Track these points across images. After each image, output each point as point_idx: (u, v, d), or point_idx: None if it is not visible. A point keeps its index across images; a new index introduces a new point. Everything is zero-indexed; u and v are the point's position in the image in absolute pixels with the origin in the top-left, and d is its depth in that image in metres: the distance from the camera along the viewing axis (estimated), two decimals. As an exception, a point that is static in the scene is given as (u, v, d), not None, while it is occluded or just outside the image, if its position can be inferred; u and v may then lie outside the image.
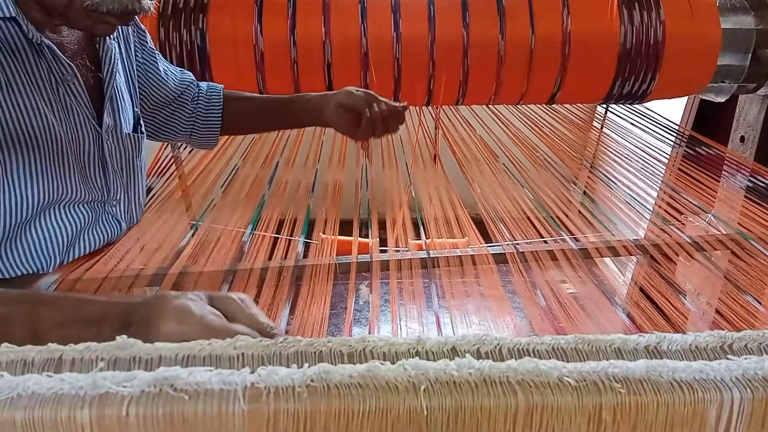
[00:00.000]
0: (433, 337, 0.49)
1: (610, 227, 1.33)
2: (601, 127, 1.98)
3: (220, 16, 1.49)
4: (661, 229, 1.27)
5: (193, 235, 1.07)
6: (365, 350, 0.49)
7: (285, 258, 0.99)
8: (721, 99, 1.73)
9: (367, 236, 1.20)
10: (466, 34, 1.51)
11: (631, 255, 1.17)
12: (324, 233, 1.24)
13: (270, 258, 0.99)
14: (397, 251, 1.11)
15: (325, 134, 1.76)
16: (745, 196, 1.47)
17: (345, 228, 1.26)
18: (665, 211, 1.39)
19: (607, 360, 0.47)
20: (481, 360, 0.46)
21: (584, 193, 1.63)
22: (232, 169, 1.49)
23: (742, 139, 1.74)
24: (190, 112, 1.26)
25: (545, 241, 1.19)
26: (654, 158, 1.68)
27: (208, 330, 0.59)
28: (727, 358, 0.48)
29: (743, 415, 0.46)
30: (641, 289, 1.26)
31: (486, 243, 1.18)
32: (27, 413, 0.42)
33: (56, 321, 0.66)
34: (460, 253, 1.03)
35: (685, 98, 2.08)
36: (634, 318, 1.06)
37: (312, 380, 0.45)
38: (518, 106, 1.76)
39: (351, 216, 1.28)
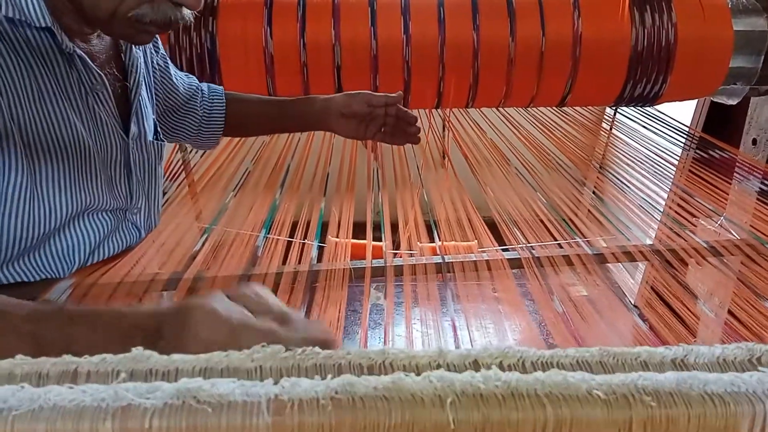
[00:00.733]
0: (455, 350, 0.48)
1: (621, 230, 1.32)
2: (610, 129, 1.97)
3: (229, 20, 1.49)
4: (673, 232, 1.26)
5: (206, 239, 1.07)
6: (385, 362, 0.48)
7: (299, 262, 0.98)
8: (732, 101, 1.71)
9: (379, 239, 1.19)
10: (476, 36, 1.51)
11: (642, 259, 1.16)
12: (337, 236, 1.23)
13: (284, 262, 0.98)
14: (411, 256, 1.10)
15: (335, 136, 1.76)
16: (758, 199, 1.46)
17: (357, 230, 1.26)
18: (676, 212, 1.38)
19: (633, 372, 0.46)
20: (507, 372, 0.45)
21: (594, 194, 1.62)
22: (244, 173, 1.49)
23: (754, 141, 1.73)
24: (200, 116, 1.26)
25: (559, 245, 1.18)
26: (664, 160, 1.67)
27: (240, 328, 0.58)
28: (758, 370, 0.47)
29: (775, 428, 0.45)
30: (653, 292, 1.26)
31: (499, 246, 1.18)
32: (49, 425, 0.41)
33: (90, 341, 0.64)
34: (474, 258, 1.02)
35: (696, 100, 2.07)
36: (648, 320, 1.05)
37: (336, 392, 0.44)
38: (526, 108, 1.75)
39: (363, 218, 1.28)
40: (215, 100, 1.28)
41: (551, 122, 1.85)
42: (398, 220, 1.34)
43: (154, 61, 1.15)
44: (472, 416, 0.43)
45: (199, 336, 0.59)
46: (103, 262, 0.96)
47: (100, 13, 0.82)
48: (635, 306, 1.12)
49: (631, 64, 1.55)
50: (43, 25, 0.80)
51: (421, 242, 1.26)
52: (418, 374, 0.46)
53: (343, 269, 0.93)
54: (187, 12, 0.86)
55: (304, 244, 1.06)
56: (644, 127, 1.80)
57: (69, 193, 0.89)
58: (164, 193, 1.33)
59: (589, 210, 1.44)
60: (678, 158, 1.72)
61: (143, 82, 1.04)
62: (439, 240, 1.22)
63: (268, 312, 0.62)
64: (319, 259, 1.03)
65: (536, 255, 1.04)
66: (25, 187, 0.83)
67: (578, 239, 1.20)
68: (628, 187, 1.59)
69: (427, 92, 1.58)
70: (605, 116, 2.01)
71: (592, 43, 1.53)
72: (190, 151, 1.64)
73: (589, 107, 1.89)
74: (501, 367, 0.48)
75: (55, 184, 0.87)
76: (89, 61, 0.88)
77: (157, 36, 1.15)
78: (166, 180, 1.47)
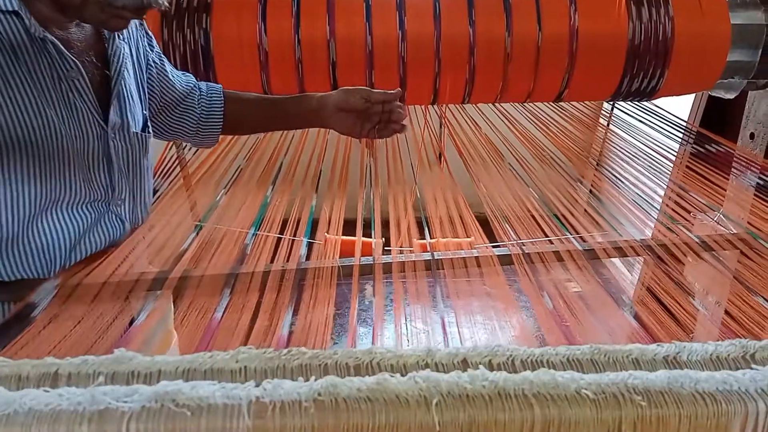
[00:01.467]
0: (443, 349, 0.47)
1: (617, 226, 1.31)
2: (608, 124, 1.96)
3: (224, 16, 1.47)
4: (669, 228, 1.24)
5: (196, 236, 1.06)
6: (372, 362, 0.47)
7: (289, 259, 0.97)
8: (730, 95, 1.70)
9: (371, 236, 1.18)
10: (473, 31, 1.49)
11: (638, 255, 1.15)
12: (328, 233, 1.22)
13: (273, 260, 0.98)
14: (401, 252, 1.09)
15: (330, 133, 1.75)
16: (755, 194, 1.45)
17: (349, 227, 1.25)
18: (673, 210, 1.36)
19: (624, 371, 0.45)
20: (494, 372, 0.44)
21: (590, 192, 1.61)
22: (236, 170, 1.48)
23: (752, 135, 1.72)
24: (198, 114, 1.25)
25: (550, 241, 1.17)
26: (661, 155, 1.66)
27: None
28: (751, 368, 0.46)
29: (768, 428, 0.44)
30: (649, 290, 1.24)
31: (491, 242, 1.17)
32: (24, 430, 0.40)
33: None
34: (464, 255, 1.01)
35: (693, 95, 2.06)
36: (642, 318, 1.04)
37: (319, 394, 0.43)
38: (523, 103, 1.74)
39: (355, 216, 1.27)
40: (214, 98, 1.27)
41: (547, 117, 1.84)
42: (393, 218, 1.33)
43: (150, 58, 1.15)
44: (458, 417, 0.42)
45: None
46: (89, 258, 0.95)
47: None
48: (632, 303, 1.10)
49: (629, 58, 1.54)
50: (10, 8, 0.81)
51: (413, 239, 1.25)
52: (405, 374, 0.45)
53: (332, 266, 0.92)
54: None
55: (293, 241, 1.05)
56: (641, 121, 1.79)
57: (39, 182, 0.89)
58: (157, 190, 1.32)
59: (585, 209, 1.43)
60: (675, 153, 1.71)
61: (129, 74, 1.03)
62: (432, 237, 1.21)
63: None
64: (309, 256, 1.02)
65: (526, 251, 1.03)
66: None
67: (570, 236, 1.19)
68: (624, 182, 1.57)
69: (424, 88, 1.57)
70: (602, 111, 2.00)
71: (588, 38, 1.51)
72: (184, 147, 1.62)
73: (587, 102, 1.88)
74: (490, 365, 0.47)
75: (23, 173, 0.87)
76: (62, 47, 0.88)
77: (151, 34, 1.15)
78: (160, 177, 1.46)
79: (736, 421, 0.43)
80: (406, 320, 0.96)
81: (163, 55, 1.19)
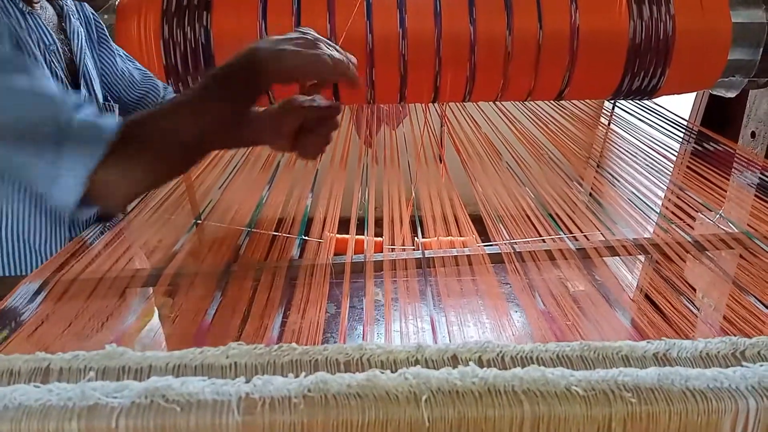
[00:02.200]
0: (433, 345, 0.47)
1: (615, 227, 1.31)
2: (609, 123, 1.96)
3: (224, 14, 1.47)
4: (668, 229, 1.24)
5: (191, 233, 1.06)
6: (362, 358, 0.47)
7: (282, 257, 0.97)
8: (731, 94, 1.70)
9: (378, 234, 1.18)
10: (473, 29, 1.49)
11: (637, 255, 1.15)
12: (325, 231, 1.22)
13: (266, 258, 0.98)
14: (392, 250, 1.09)
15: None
16: (756, 194, 1.44)
17: (344, 226, 1.25)
18: (672, 213, 1.36)
19: (614, 368, 0.45)
20: (484, 368, 0.44)
21: (590, 194, 1.60)
22: (233, 169, 1.48)
23: (753, 134, 1.72)
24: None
25: (543, 241, 1.17)
26: (662, 155, 1.66)
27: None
28: (741, 365, 0.46)
29: (759, 425, 0.44)
30: (648, 291, 1.24)
31: (485, 242, 1.16)
32: (14, 426, 0.41)
33: None
34: (456, 253, 1.01)
35: (694, 93, 2.06)
36: (641, 321, 1.04)
37: (309, 390, 0.43)
38: (524, 102, 1.74)
39: (350, 214, 1.27)
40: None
41: (548, 116, 1.84)
42: (391, 216, 1.33)
43: (103, 46, 1.19)
44: (447, 413, 0.42)
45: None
46: (83, 250, 0.96)
47: None
48: (629, 306, 1.10)
49: (629, 56, 1.53)
50: None
51: (411, 238, 1.25)
52: (395, 370, 0.45)
53: (325, 264, 0.92)
54: None
55: (287, 239, 1.05)
56: (641, 120, 1.78)
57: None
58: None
59: (584, 209, 1.43)
60: (676, 153, 1.70)
61: (87, 53, 1.09)
62: (424, 236, 1.21)
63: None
64: (301, 254, 1.02)
65: (518, 250, 1.03)
66: None
67: (564, 236, 1.18)
68: (624, 182, 1.57)
69: (424, 86, 1.57)
70: (604, 110, 2.00)
71: (589, 36, 1.51)
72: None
73: (588, 101, 1.87)
74: (480, 362, 0.47)
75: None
76: (42, 21, 0.94)
77: (103, 24, 1.20)
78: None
79: (726, 419, 0.43)
80: (405, 319, 0.96)
81: (118, 49, 1.24)
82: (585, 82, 1.59)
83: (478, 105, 1.77)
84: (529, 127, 1.80)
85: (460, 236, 1.32)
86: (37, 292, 0.78)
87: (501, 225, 1.23)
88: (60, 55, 0.98)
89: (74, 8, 1.09)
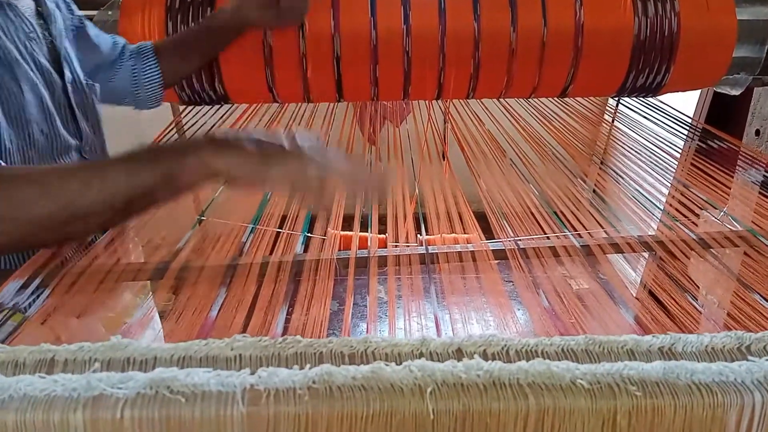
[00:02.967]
0: (438, 338, 0.47)
1: (619, 224, 1.31)
2: (612, 121, 1.95)
3: (227, 10, 1.47)
4: (672, 226, 1.24)
5: (195, 229, 1.06)
6: (367, 351, 0.47)
7: (286, 253, 0.97)
8: (736, 92, 1.69)
9: (382, 232, 1.18)
10: (477, 26, 1.49)
11: (641, 252, 1.15)
12: (329, 228, 1.22)
13: (271, 253, 0.98)
14: (396, 246, 1.08)
15: (332, 130, 1.75)
16: (760, 192, 1.44)
17: (348, 223, 1.25)
18: (676, 210, 1.36)
19: (619, 362, 0.45)
20: (489, 362, 0.44)
21: (594, 191, 1.60)
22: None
23: (757, 132, 1.71)
24: (130, 72, 1.32)
25: (547, 238, 1.17)
26: (666, 152, 1.66)
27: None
28: (747, 359, 0.46)
29: (765, 419, 0.43)
30: (652, 288, 1.24)
31: (489, 239, 1.16)
32: (18, 416, 0.41)
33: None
34: (460, 249, 1.01)
35: (698, 91, 2.05)
36: (644, 318, 1.03)
37: (314, 382, 0.43)
38: (527, 99, 1.74)
39: (354, 211, 1.27)
40: (144, 55, 1.33)
41: (552, 113, 1.83)
42: (395, 213, 1.33)
43: (73, 23, 1.20)
44: (452, 406, 0.42)
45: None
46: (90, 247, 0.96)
47: None
48: (632, 303, 1.10)
49: (634, 53, 1.53)
50: None
51: (415, 235, 1.25)
52: (400, 363, 0.45)
53: (330, 259, 0.92)
54: None
55: (291, 236, 1.05)
56: (646, 118, 1.78)
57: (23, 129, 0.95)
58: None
59: (588, 206, 1.43)
60: (680, 150, 1.70)
61: (63, 35, 1.11)
62: (428, 233, 1.21)
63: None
64: (306, 250, 1.02)
65: (522, 246, 1.03)
66: None
67: (569, 233, 1.18)
68: (628, 179, 1.57)
69: (428, 83, 1.57)
70: (608, 107, 1.99)
71: (594, 33, 1.51)
72: (184, 134, 1.63)
73: (592, 98, 1.87)
74: (485, 355, 0.47)
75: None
76: (21, 12, 0.96)
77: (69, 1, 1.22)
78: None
79: (732, 412, 0.43)
80: (408, 317, 0.96)
81: (85, 20, 1.25)
82: (589, 80, 1.59)
83: (481, 102, 1.77)
84: (533, 125, 1.80)
85: (464, 233, 1.32)
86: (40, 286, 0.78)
87: (505, 222, 1.23)
88: (41, 41, 1.01)
89: None
